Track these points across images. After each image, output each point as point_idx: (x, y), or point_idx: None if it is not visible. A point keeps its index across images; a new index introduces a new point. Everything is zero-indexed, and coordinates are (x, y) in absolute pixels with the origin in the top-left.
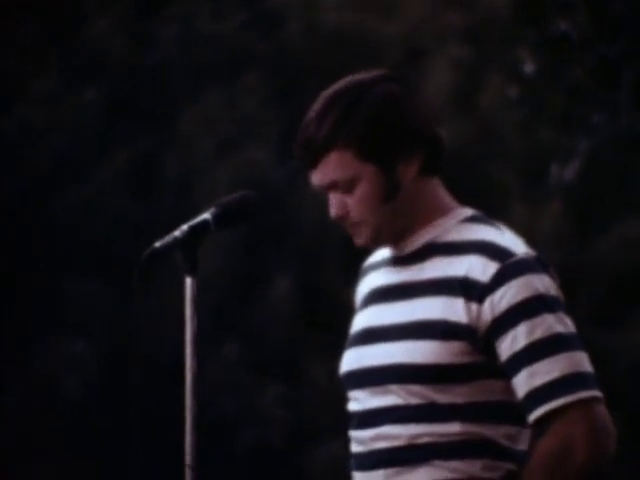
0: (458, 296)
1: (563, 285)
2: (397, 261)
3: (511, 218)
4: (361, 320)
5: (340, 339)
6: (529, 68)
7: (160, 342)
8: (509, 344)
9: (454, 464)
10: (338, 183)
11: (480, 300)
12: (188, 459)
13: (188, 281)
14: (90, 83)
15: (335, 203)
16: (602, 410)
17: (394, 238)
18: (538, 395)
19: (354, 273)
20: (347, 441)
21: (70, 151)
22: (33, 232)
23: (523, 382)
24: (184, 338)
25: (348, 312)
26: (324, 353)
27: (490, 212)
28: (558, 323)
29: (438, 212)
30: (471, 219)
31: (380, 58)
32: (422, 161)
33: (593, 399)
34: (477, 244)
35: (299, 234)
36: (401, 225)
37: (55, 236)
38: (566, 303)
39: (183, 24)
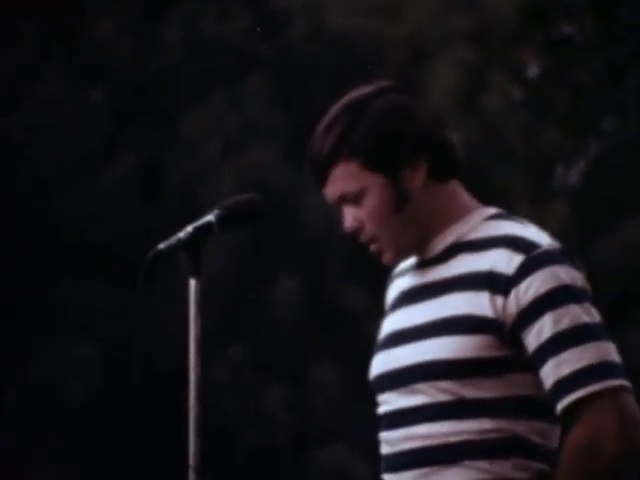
0: (483, 290)
1: None
2: (423, 264)
3: None
4: (389, 324)
5: (345, 341)
6: (534, 71)
7: (164, 344)
8: (535, 335)
9: (484, 464)
10: (347, 196)
11: (505, 293)
12: (191, 461)
13: (192, 283)
14: (94, 86)
15: (348, 217)
16: (631, 399)
17: (416, 248)
18: (565, 384)
19: (360, 275)
20: (352, 443)
21: (74, 153)
22: (37, 234)
23: (550, 372)
24: (188, 340)
25: (354, 315)
26: (329, 355)
27: None
28: (584, 313)
29: (459, 213)
30: (494, 217)
31: (384, 60)
32: (429, 167)
33: (621, 388)
34: (501, 238)
35: (304, 236)
36: (418, 235)
37: (59, 238)
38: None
39: (188, 27)
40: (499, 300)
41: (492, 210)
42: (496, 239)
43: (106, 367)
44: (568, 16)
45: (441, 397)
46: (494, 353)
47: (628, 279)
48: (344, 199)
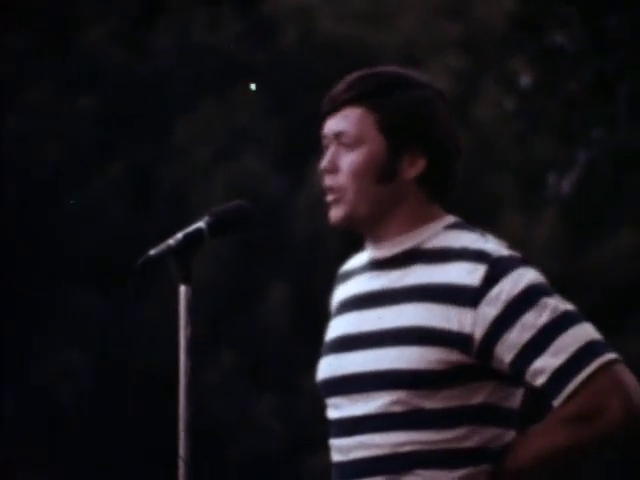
0: (445, 303)
1: (559, 295)
2: (377, 266)
3: (507, 229)
4: (339, 327)
5: None
6: (525, 80)
7: (157, 351)
8: (517, 335)
9: (436, 473)
10: (344, 136)
11: (474, 304)
12: (181, 466)
13: (182, 289)
14: (86, 92)
15: (330, 156)
16: (625, 370)
17: (367, 227)
18: (561, 375)
19: None
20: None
21: (64, 161)
22: (28, 242)
23: (543, 367)
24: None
25: None
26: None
27: (486, 222)
28: (560, 302)
29: (421, 219)
30: (453, 226)
31: (375, 68)
32: (424, 172)
33: (614, 361)
34: (461, 251)
35: (295, 244)
36: (377, 216)
37: (50, 246)
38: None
39: (179, 34)
40: (467, 313)
41: (451, 219)
42: (454, 251)
43: (98, 372)
44: (560, 25)
45: (396, 407)
46: (454, 365)
47: (620, 287)
48: (339, 138)
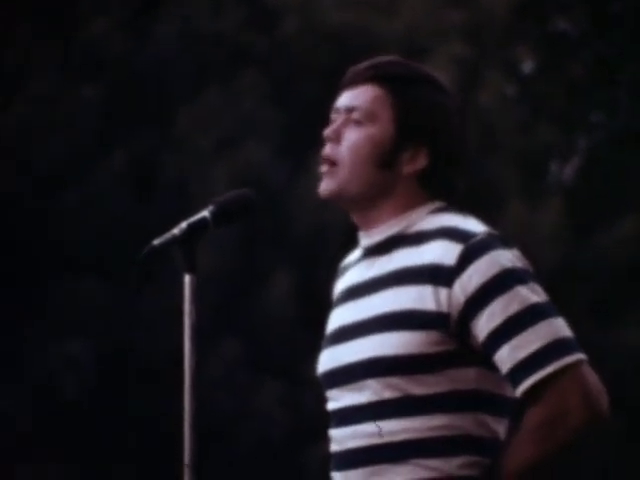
0: (425, 284)
1: (563, 283)
2: (368, 254)
3: (510, 216)
4: (336, 319)
5: None
6: (528, 66)
7: (160, 340)
8: (486, 322)
9: (431, 462)
10: (355, 110)
11: (449, 284)
12: (186, 458)
13: (187, 279)
14: (88, 82)
15: (336, 125)
16: (589, 371)
17: (355, 207)
18: (524, 367)
19: None
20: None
21: (67, 150)
22: (30, 232)
23: (506, 357)
24: (183, 336)
25: None
26: None
27: (489, 210)
28: (531, 293)
29: (409, 206)
30: (436, 210)
31: (379, 55)
32: (423, 170)
33: (580, 362)
34: (440, 230)
35: (298, 233)
36: (367, 199)
37: (53, 236)
38: (564, 300)
39: (181, 22)
40: (443, 292)
41: (437, 204)
42: (433, 232)
43: (99, 364)
44: (562, 10)
45: (387, 394)
46: (437, 348)
47: (623, 274)
48: (350, 112)
